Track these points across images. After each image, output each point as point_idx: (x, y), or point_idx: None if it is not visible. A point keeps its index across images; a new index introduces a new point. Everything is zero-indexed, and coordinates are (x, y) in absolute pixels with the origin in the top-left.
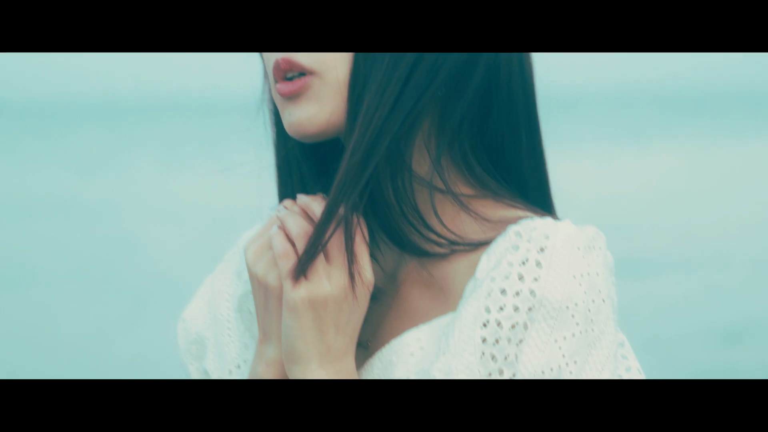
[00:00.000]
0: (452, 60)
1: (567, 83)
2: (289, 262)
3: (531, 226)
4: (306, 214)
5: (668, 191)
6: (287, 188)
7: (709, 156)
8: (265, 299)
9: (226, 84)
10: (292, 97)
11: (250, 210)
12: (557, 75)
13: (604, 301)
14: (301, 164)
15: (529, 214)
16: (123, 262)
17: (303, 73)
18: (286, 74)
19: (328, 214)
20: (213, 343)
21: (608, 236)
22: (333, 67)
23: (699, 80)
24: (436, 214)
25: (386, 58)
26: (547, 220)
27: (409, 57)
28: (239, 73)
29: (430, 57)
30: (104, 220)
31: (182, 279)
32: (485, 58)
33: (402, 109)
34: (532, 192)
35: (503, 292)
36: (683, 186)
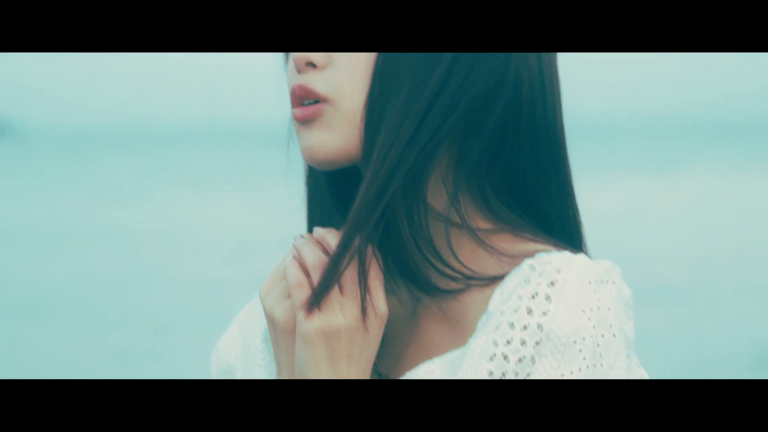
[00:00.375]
0: (471, 94)
1: (596, 111)
2: (303, 292)
3: (545, 260)
4: (322, 246)
5: (699, 218)
6: (314, 216)
7: (739, 183)
8: (274, 332)
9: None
10: (305, 122)
11: (280, 237)
12: (586, 102)
13: (614, 335)
14: (325, 193)
15: (548, 247)
16: (149, 288)
17: (318, 100)
18: (302, 101)
19: (343, 246)
20: (242, 374)
21: (637, 263)
22: (347, 96)
23: (730, 107)
24: (451, 249)
25: (404, 89)
26: (563, 254)
27: (428, 90)
28: (268, 99)
29: (449, 90)
30: (129, 247)
31: (208, 306)
32: (506, 93)
33: (418, 143)
34: (557, 225)
35: (511, 325)
36: (714, 213)
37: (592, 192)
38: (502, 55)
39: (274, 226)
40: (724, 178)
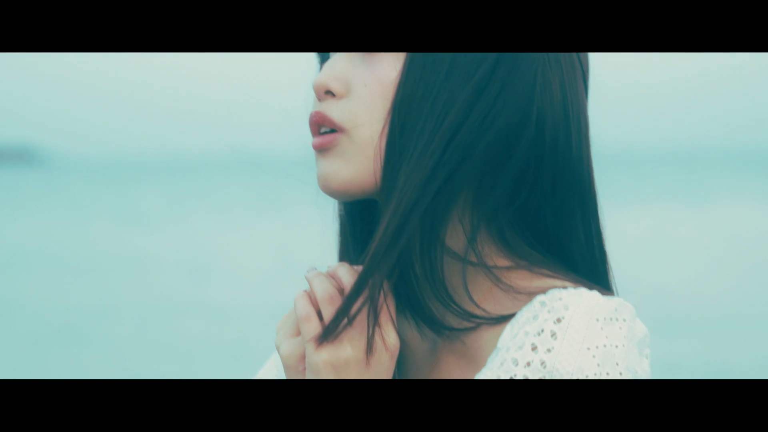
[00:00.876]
0: (492, 133)
1: (627, 141)
2: (311, 326)
3: (556, 296)
4: (333, 279)
5: (730, 249)
6: (343, 249)
7: None
8: (284, 368)
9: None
10: (321, 150)
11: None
12: (617, 133)
13: (621, 374)
14: (351, 226)
15: (566, 283)
16: (176, 317)
17: (335, 129)
18: (320, 128)
19: (359, 285)
20: None
21: (667, 293)
22: (362, 127)
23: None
24: (466, 288)
25: (424, 125)
26: (574, 291)
27: (447, 127)
28: (299, 129)
29: (469, 128)
30: (157, 274)
31: (242, 336)
32: (528, 132)
33: (436, 182)
34: (581, 261)
35: (515, 362)
36: (745, 244)
37: (622, 222)
38: (525, 91)
39: (303, 257)
40: (757, 208)
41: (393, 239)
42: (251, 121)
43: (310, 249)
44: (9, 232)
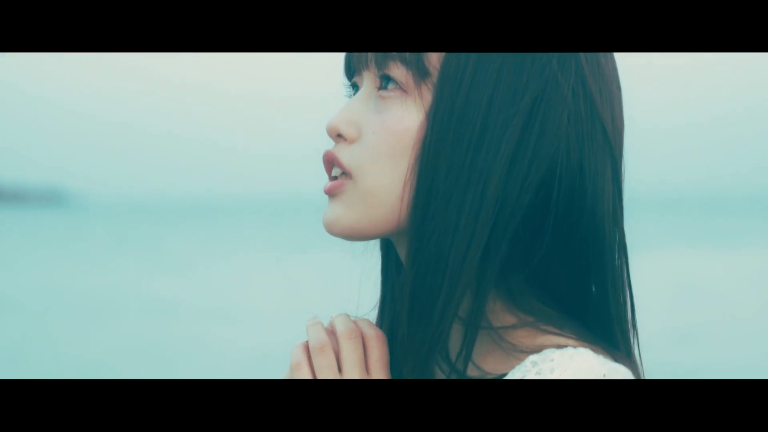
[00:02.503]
0: (525, 201)
1: (656, 185)
2: (300, 372)
3: (548, 357)
4: (328, 329)
5: (760, 293)
6: (386, 287)
7: None
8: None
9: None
10: (330, 195)
11: (337, 310)
12: (646, 176)
13: None
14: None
15: (569, 342)
16: (199, 360)
17: (344, 173)
18: (332, 171)
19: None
20: None
21: (696, 336)
22: (367, 174)
23: None
24: (468, 350)
25: (465, 198)
26: (572, 351)
27: (486, 203)
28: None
29: (505, 200)
30: (179, 317)
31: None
32: (551, 196)
33: (476, 253)
34: (593, 318)
35: None
36: None
37: (649, 265)
38: (552, 155)
39: (324, 301)
40: None
41: (425, 315)
42: (274, 166)
43: (330, 293)
44: (36, 273)
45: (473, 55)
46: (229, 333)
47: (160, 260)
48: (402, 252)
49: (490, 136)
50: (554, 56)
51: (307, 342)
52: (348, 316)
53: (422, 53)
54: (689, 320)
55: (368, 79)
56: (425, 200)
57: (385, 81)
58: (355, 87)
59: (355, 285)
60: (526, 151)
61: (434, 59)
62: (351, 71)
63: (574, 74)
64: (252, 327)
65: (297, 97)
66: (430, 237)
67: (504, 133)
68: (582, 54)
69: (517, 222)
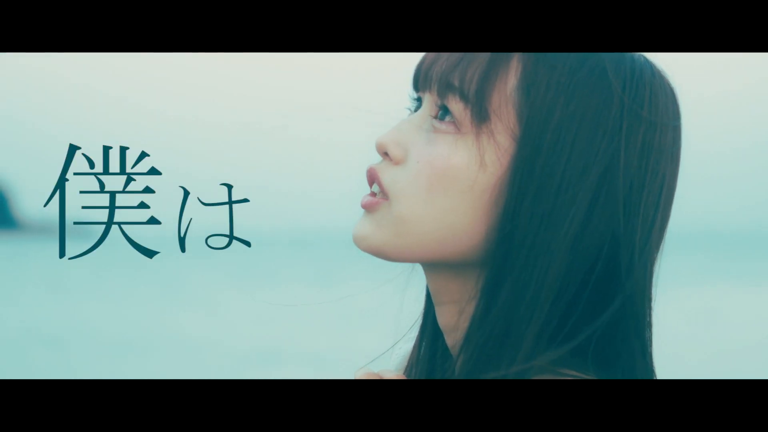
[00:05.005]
0: (591, 264)
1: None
2: None
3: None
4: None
5: None
6: (425, 328)
7: None
8: None
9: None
10: (365, 209)
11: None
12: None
13: None
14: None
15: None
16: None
17: (382, 192)
18: (372, 187)
19: None
20: None
21: (727, 370)
22: (402, 198)
23: None
24: None
25: (523, 264)
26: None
27: (541, 263)
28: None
29: (576, 271)
30: (227, 358)
31: None
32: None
33: (545, 305)
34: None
35: None
36: None
37: (676, 300)
38: (615, 212)
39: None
40: None
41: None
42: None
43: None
44: (56, 307)
45: (553, 120)
46: (274, 371)
47: (182, 294)
48: (432, 283)
49: (569, 177)
50: (624, 122)
51: None
52: (395, 371)
53: (485, 93)
54: (717, 355)
55: (428, 102)
56: (510, 241)
57: (443, 111)
58: (419, 101)
59: (391, 318)
60: (599, 217)
61: (495, 102)
62: (417, 86)
63: (640, 145)
64: (294, 363)
65: (338, 142)
66: (505, 279)
67: (570, 209)
68: (645, 120)
69: (572, 294)
